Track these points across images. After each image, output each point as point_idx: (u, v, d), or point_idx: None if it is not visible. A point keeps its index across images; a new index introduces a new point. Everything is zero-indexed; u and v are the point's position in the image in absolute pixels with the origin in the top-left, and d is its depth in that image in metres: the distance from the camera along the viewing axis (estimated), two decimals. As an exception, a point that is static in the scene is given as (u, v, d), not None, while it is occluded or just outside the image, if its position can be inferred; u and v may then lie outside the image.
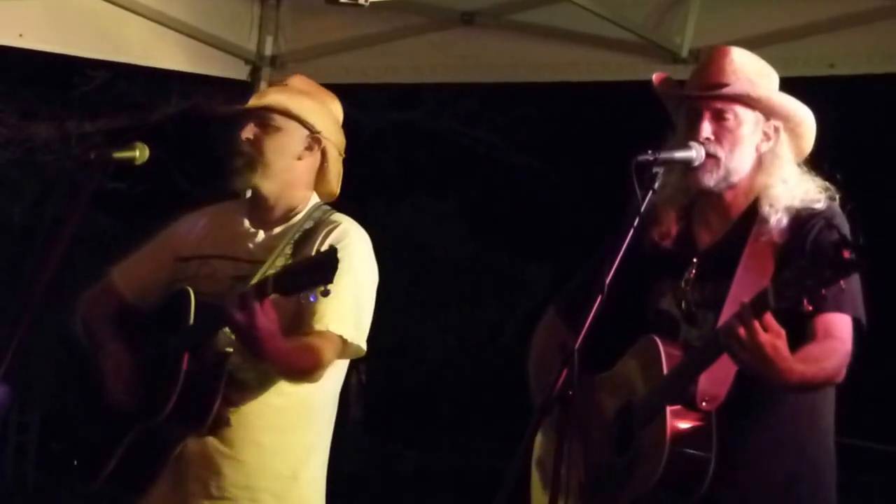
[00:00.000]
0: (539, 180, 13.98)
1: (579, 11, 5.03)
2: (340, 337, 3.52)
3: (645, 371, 3.20)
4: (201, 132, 12.43)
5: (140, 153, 3.41)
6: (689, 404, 3.11)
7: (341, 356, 3.60)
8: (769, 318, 2.92)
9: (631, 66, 5.26)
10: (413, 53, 5.57)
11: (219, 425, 3.55)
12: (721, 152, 3.23)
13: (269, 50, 5.70)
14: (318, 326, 3.49)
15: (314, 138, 3.67)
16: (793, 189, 3.23)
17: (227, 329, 3.48)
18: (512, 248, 14.86)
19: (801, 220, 3.20)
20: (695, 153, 3.20)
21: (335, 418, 3.73)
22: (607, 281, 2.96)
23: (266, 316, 3.33)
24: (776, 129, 3.28)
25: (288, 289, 3.31)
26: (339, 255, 3.35)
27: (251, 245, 3.66)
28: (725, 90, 3.24)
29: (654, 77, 3.39)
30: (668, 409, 3.10)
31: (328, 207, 3.72)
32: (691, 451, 3.09)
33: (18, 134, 10.96)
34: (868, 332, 3.17)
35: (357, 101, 12.53)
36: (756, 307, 2.93)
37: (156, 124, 11.37)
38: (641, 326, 3.26)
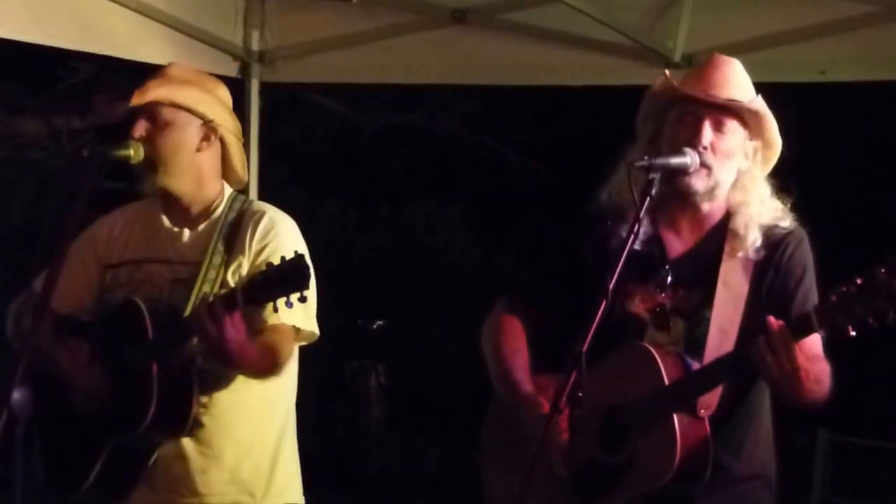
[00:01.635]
0: (539, 183, 13.98)
1: (572, 13, 5.00)
2: (293, 327, 3.56)
3: (637, 378, 3.23)
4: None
5: (135, 152, 3.39)
6: (691, 412, 3.18)
7: (297, 341, 3.64)
8: (805, 343, 3.01)
9: (623, 70, 5.24)
10: (406, 52, 5.53)
11: (194, 427, 3.57)
12: (715, 163, 3.25)
13: (255, 45, 5.63)
14: (272, 320, 3.51)
15: (209, 128, 3.63)
16: (765, 208, 3.30)
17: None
18: (517, 250, 14.91)
19: (775, 238, 3.27)
20: (689, 159, 3.21)
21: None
22: (610, 286, 2.98)
23: (235, 328, 3.34)
24: (755, 150, 3.32)
25: (259, 301, 3.32)
26: (272, 245, 3.46)
27: (179, 246, 3.64)
28: (748, 103, 3.26)
29: (667, 73, 3.38)
30: (676, 417, 3.15)
31: (245, 197, 3.73)
32: (695, 457, 3.16)
33: (6, 130, 10.84)
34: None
35: (356, 102, 12.50)
36: (796, 330, 3.00)
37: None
38: (607, 327, 3.20)
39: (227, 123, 3.66)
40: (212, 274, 3.55)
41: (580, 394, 2.89)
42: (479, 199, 14.62)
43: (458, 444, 14.40)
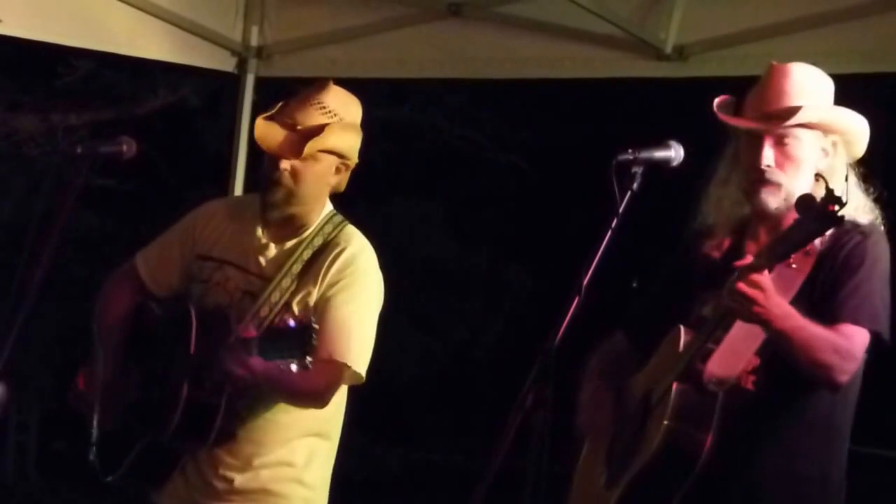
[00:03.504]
0: (523, 179, 13.98)
1: (566, 5, 5.01)
2: (344, 364, 3.57)
3: (668, 358, 3.26)
4: (189, 127, 12.33)
5: (127, 148, 3.40)
6: (697, 384, 3.17)
7: (343, 381, 3.65)
8: (758, 277, 3.01)
9: (615, 63, 5.27)
10: (401, 46, 5.55)
11: (226, 438, 3.63)
12: (783, 178, 3.25)
13: (254, 40, 5.66)
14: (322, 354, 3.47)
15: (345, 164, 3.69)
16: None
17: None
18: (495, 248, 14.92)
19: (842, 231, 3.19)
20: (674, 152, 3.20)
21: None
22: (584, 283, 2.99)
23: (262, 364, 3.37)
24: (834, 144, 3.30)
25: (269, 356, 3.34)
26: (346, 281, 3.53)
27: (262, 259, 3.68)
28: (789, 123, 3.23)
29: (715, 103, 3.37)
30: (675, 386, 3.16)
31: (340, 219, 3.73)
32: (689, 429, 3.14)
33: (3, 127, 10.89)
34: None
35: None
36: (751, 269, 3.03)
37: (143, 118, 11.30)
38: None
39: (356, 156, 3.71)
40: (276, 296, 3.60)
41: (546, 394, 2.90)
42: (460, 197, 14.63)
43: (421, 447, 14.39)
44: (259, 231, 3.70)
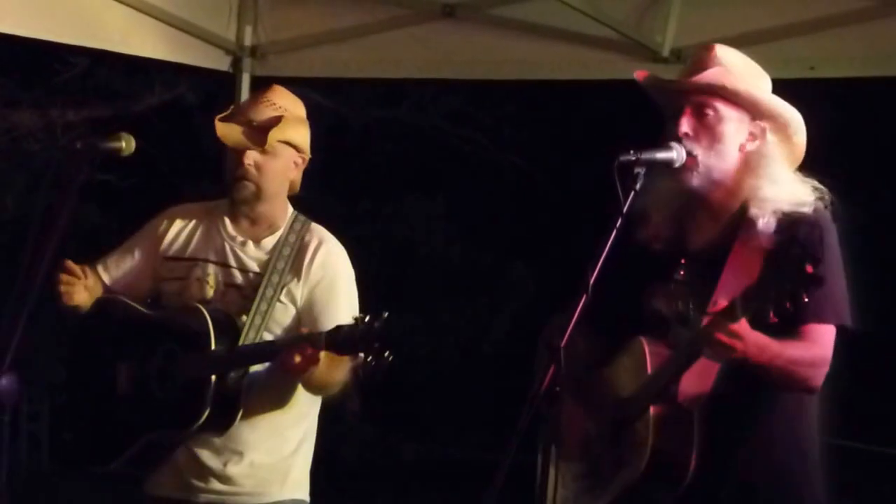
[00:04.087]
0: (524, 179, 14.05)
1: (561, 7, 5.04)
2: None
3: (633, 371, 3.25)
4: (187, 123, 12.35)
5: (126, 144, 3.40)
6: (672, 403, 3.16)
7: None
8: (736, 326, 2.99)
9: (612, 65, 5.27)
10: (395, 47, 5.58)
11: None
12: (699, 149, 3.20)
13: (248, 40, 5.71)
14: None
15: (302, 159, 3.87)
16: (782, 191, 3.19)
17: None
18: (496, 247, 15.02)
19: (788, 223, 3.16)
20: (675, 154, 3.17)
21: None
22: (591, 282, 2.97)
23: (319, 361, 3.57)
24: (763, 130, 3.24)
25: (340, 351, 3.55)
26: (329, 279, 3.77)
27: (242, 255, 3.83)
28: (696, 77, 3.21)
29: (636, 74, 3.36)
30: (652, 408, 3.15)
31: (304, 218, 3.91)
32: (673, 450, 3.14)
33: (2, 122, 10.92)
34: (860, 334, 3.19)
35: (343, 96, 12.55)
36: (725, 317, 3.00)
37: (141, 114, 11.34)
38: (636, 325, 3.28)
39: (309, 150, 3.88)
40: (269, 292, 3.76)
41: (557, 389, 2.91)
42: (461, 195, 14.71)
43: (434, 439, 14.55)
44: (231, 228, 3.85)
